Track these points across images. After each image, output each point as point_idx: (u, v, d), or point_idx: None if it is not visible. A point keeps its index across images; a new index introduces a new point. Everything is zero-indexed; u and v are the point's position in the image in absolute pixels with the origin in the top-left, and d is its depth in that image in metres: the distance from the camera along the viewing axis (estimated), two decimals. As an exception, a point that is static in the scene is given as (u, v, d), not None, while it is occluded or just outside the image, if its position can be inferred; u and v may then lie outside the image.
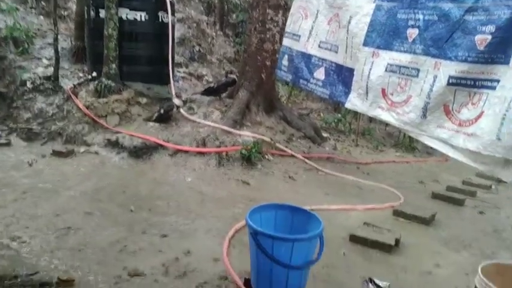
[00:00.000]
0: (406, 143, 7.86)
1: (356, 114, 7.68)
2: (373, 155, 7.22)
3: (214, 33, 10.68)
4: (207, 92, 6.93)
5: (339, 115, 8.19)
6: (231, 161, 5.43)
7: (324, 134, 7.31)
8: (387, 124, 7.23)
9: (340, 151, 6.90)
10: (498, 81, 2.71)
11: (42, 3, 8.23)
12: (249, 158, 5.39)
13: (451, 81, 3.03)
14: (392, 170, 6.53)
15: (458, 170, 6.54)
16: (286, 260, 2.48)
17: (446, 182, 5.97)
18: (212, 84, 7.19)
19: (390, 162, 6.93)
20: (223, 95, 7.00)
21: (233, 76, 7.02)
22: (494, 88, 2.75)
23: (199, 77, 8.60)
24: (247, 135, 5.93)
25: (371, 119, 8.74)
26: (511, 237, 4.24)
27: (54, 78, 6.38)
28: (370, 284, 3.05)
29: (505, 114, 2.61)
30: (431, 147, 6.39)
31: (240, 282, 2.83)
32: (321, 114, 8.94)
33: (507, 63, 2.65)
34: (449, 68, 3.02)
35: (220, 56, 10.11)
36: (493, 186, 5.91)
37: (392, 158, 7.15)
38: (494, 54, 2.72)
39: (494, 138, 2.67)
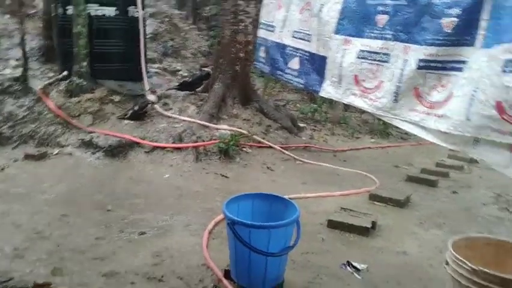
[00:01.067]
0: (381, 129, 7.97)
1: (331, 103, 7.73)
2: (349, 142, 7.30)
3: (187, 27, 10.56)
4: (182, 86, 6.86)
5: (315, 105, 8.24)
6: (209, 155, 5.41)
7: (301, 124, 7.35)
8: (362, 112, 7.34)
9: (317, 140, 6.95)
10: (465, 62, 2.76)
11: (7, 1, 7.96)
12: (227, 151, 5.38)
13: (420, 64, 3.07)
14: (368, 156, 6.63)
15: (432, 153, 6.69)
16: (264, 247, 2.48)
17: (420, 165, 6.09)
18: (187, 79, 7.12)
19: (365, 148, 7.02)
20: (198, 89, 6.94)
21: (207, 69, 6.96)
22: (461, 70, 2.79)
23: (174, 72, 8.50)
24: (224, 128, 5.90)
25: (346, 108, 8.83)
26: (482, 214, 4.38)
27: (23, 80, 6.19)
28: (348, 267, 3.10)
29: (473, 95, 2.65)
30: (405, 132, 6.47)
31: (220, 274, 2.83)
32: (298, 105, 8.96)
33: (472, 44, 2.69)
34: (418, 52, 3.06)
35: (194, 50, 10.00)
36: (465, 167, 6.07)
37: (367, 145, 7.24)
38: (460, 37, 2.76)
39: (463, 118, 2.72)
